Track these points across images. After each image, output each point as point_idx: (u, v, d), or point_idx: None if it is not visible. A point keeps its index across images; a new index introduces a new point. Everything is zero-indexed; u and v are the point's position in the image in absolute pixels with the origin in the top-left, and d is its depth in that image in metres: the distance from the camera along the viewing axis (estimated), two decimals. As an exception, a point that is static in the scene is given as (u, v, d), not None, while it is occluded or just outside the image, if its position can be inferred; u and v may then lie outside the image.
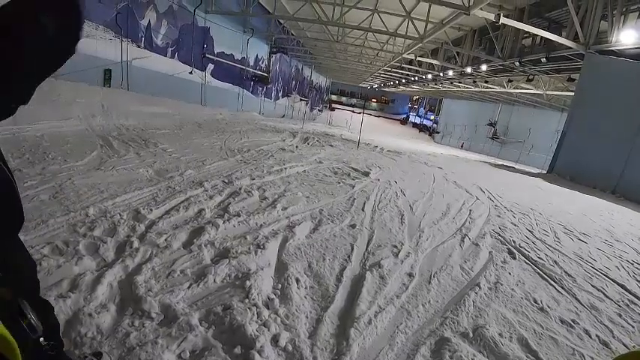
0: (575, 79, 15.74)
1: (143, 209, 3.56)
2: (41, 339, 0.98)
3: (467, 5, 11.08)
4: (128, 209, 3.56)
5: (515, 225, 5.32)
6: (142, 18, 13.53)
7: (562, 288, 3.35)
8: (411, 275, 3.07)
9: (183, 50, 16.32)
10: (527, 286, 3.25)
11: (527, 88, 22.86)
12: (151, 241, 2.93)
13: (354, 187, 6.00)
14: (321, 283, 2.73)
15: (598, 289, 3.45)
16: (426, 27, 16.27)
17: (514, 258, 3.93)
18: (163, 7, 14.44)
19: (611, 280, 3.77)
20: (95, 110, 9.27)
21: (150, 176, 4.91)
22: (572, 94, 15.46)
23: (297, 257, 3.08)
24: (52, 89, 8.56)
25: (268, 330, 2.10)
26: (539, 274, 3.61)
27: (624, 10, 11.66)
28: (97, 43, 11.41)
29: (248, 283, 2.49)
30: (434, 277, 3.12)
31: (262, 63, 26.29)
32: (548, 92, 22.34)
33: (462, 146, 37.04)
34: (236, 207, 4.08)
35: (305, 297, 2.52)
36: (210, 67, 18.85)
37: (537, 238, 4.81)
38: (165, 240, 2.99)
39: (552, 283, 3.43)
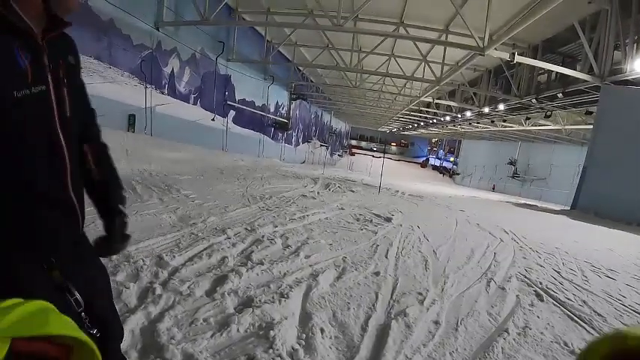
0: (592, 112, 15.57)
1: (166, 255, 3.57)
2: (82, 314, 1.11)
3: (481, 46, 11.25)
4: (151, 255, 3.57)
5: (542, 266, 5.15)
6: (166, 65, 14.05)
7: (592, 328, 3.21)
8: (437, 323, 2.97)
9: (206, 97, 16.77)
10: (556, 329, 3.12)
11: (546, 125, 22.65)
12: (174, 289, 2.92)
13: (376, 233, 5.91)
14: (346, 332, 2.66)
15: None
16: (442, 69, 16.55)
17: (542, 300, 3.78)
18: (186, 55, 15.00)
19: (643, 316, 3.60)
20: (119, 155, 9.49)
21: (173, 222, 4.96)
22: (591, 127, 15.24)
23: (322, 306, 3.02)
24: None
25: (293, 382, 2.03)
26: (568, 315, 3.47)
27: (636, 38, 11.64)
28: (121, 89, 11.73)
29: (272, 332, 2.44)
30: (461, 323, 3.01)
31: (283, 109, 26.84)
32: (566, 127, 22.05)
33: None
34: (259, 255, 4.06)
35: (330, 347, 2.45)
36: (232, 113, 19.29)
37: (564, 278, 4.64)
38: (188, 287, 2.97)
39: (582, 324, 3.29)
